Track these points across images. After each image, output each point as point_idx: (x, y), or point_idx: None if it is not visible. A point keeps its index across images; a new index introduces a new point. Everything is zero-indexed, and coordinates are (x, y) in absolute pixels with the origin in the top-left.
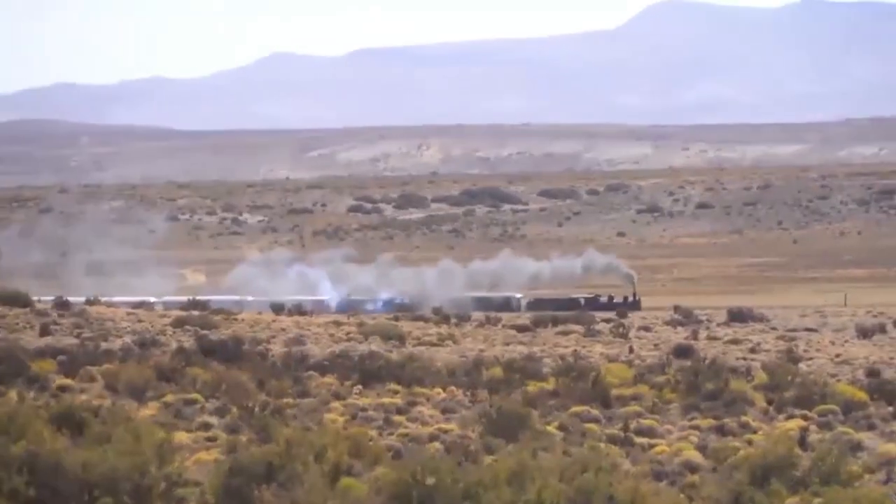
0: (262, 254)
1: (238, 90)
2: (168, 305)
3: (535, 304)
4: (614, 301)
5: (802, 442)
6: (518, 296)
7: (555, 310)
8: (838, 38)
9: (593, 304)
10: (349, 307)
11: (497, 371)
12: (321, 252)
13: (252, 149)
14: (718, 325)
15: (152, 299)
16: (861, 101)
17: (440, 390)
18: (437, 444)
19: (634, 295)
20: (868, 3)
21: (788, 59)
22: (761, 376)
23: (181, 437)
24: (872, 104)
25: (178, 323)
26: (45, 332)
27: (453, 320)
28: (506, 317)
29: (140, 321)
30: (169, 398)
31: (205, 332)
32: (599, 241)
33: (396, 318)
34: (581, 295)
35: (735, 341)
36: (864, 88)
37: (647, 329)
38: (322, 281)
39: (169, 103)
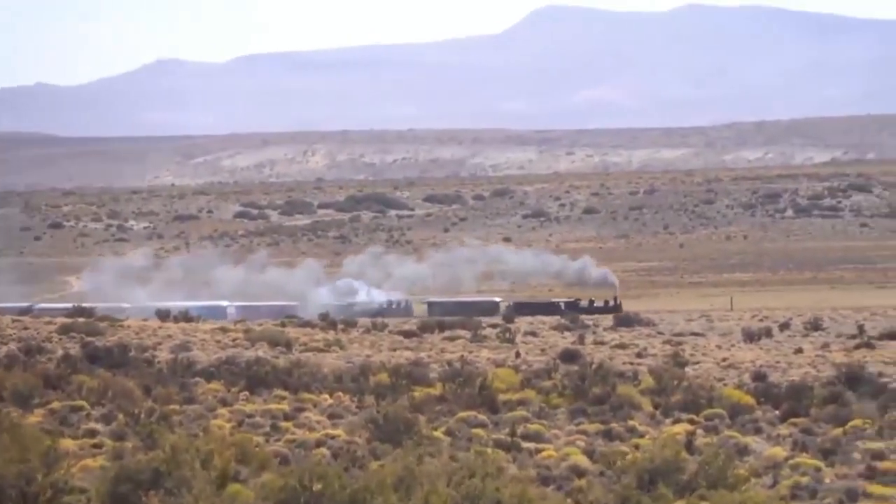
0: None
1: (123, 96)
2: (48, 312)
3: (516, 309)
4: (595, 305)
5: (689, 446)
6: (498, 300)
7: (535, 314)
8: (722, 42)
9: (574, 307)
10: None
11: (384, 377)
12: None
13: (137, 155)
14: (605, 329)
15: (38, 305)
16: (745, 105)
17: (327, 396)
18: (324, 450)
19: (615, 299)
20: (752, 6)
21: (673, 63)
22: (648, 381)
23: (67, 443)
24: (757, 108)
25: (64, 330)
26: None
27: (340, 326)
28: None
29: (26, 328)
30: (55, 405)
31: (91, 339)
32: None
33: (283, 325)
34: (561, 299)
35: (622, 346)
36: (749, 92)
37: (533, 334)
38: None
39: (53, 110)
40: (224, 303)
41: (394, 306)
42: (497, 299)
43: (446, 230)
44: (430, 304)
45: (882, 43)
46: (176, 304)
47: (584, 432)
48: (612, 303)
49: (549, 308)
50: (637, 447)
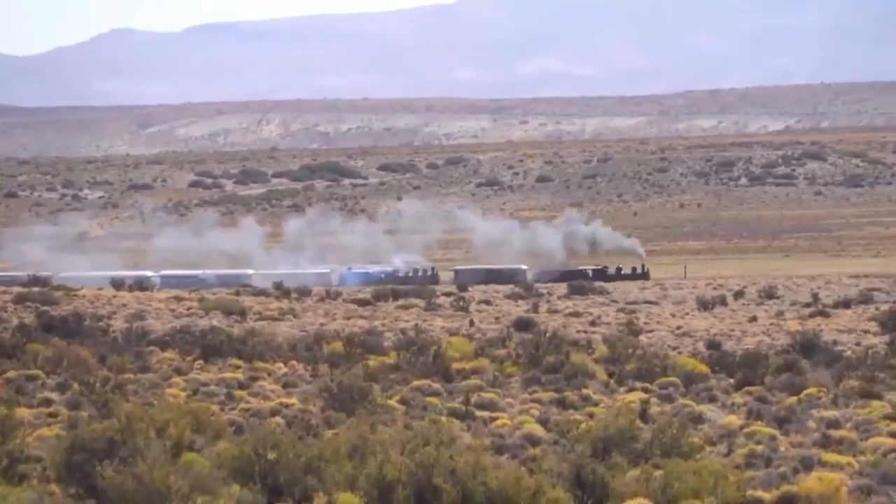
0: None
1: (77, 66)
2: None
3: (542, 276)
4: (622, 272)
5: (643, 414)
6: (524, 267)
7: (561, 281)
8: (676, 9)
9: (601, 275)
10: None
11: (338, 345)
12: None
13: (91, 125)
14: (559, 298)
15: None
16: (699, 74)
17: (281, 365)
18: (278, 419)
19: (643, 266)
20: None
21: (626, 31)
22: (602, 349)
23: (22, 413)
24: (711, 76)
25: (19, 299)
26: None
27: (294, 295)
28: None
29: None
30: (10, 374)
31: (45, 308)
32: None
33: (237, 293)
34: (588, 266)
35: (575, 314)
36: (703, 60)
37: (487, 303)
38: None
39: (7, 79)
40: (149, 272)
41: (420, 273)
42: (523, 266)
43: (399, 198)
44: (457, 272)
45: (836, 11)
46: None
47: (538, 401)
48: (639, 270)
49: (575, 275)
50: (591, 416)
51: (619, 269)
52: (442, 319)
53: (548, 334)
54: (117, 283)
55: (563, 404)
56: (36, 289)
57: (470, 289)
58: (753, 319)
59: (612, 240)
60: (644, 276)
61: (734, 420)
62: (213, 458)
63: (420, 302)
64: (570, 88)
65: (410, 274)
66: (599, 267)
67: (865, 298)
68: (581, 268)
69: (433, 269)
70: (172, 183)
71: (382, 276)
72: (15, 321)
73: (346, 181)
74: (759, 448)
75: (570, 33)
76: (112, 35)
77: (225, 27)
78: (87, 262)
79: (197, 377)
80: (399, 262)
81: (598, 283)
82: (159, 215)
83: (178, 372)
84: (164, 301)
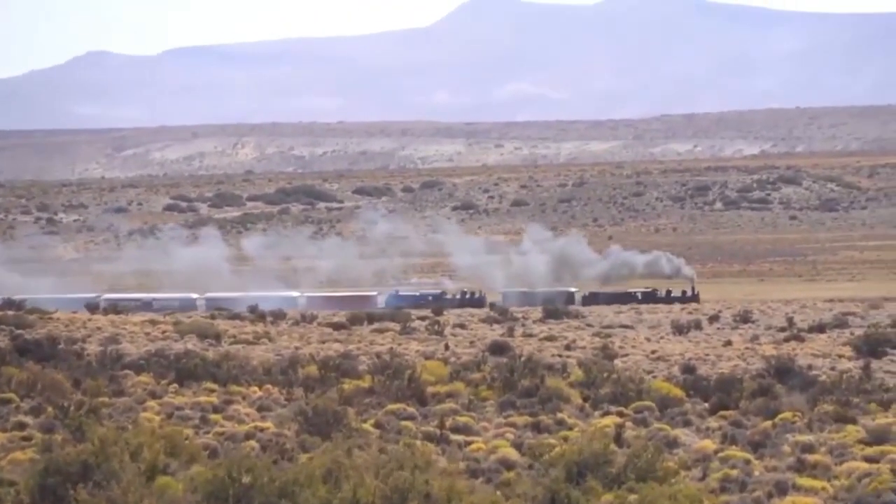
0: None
1: (52, 89)
2: None
3: (591, 299)
4: (672, 295)
5: (618, 439)
6: (573, 290)
7: (610, 303)
8: (650, 33)
9: (651, 297)
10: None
11: (313, 369)
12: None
13: (67, 148)
14: (534, 322)
15: None
16: (674, 98)
17: (256, 388)
18: (253, 443)
19: (693, 289)
20: None
21: (600, 55)
22: (577, 373)
23: None
24: (686, 101)
25: None
26: None
27: (269, 318)
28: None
29: None
30: None
31: (20, 331)
32: (415, 239)
33: (213, 317)
34: (638, 289)
35: (551, 338)
36: (678, 85)
37: (462, 326)
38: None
39: None
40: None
41: (467, 297)
42: (573, 289)
43: (375, 223)
44: (505, 294)
45: (811, 35)
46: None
47: (512, 425)
48: (689, 293)
49: (624, 298)
50: (566, 440)
51: (668, 292)
52: (417, 343)
53: (523, 358)
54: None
55: (537, 428)
56: (10, 312)
57: (511, 310)
58: (728, 344)
59: (666, 263)
60: (694, 299)
61: (709, 444)
62: (188, 481)
63: (395, 326)
64: (545, 112)
65: (458, 296)
66: (649, 290)
67: (840, 323)
68: (631, 290)
69: (480, 291)
70: (147, 206)
71: (429, 298)
72: None
73: (322, 205)
74: (734, 472)
75: (545, 57)
76: (87, 58)
77: (201, 50)
78: (62, 284)
79: (171, 401)
80: (448, 284)
81: (572, 308)
82: (134, 238)
83: (153, 395)
84: (138, 324)
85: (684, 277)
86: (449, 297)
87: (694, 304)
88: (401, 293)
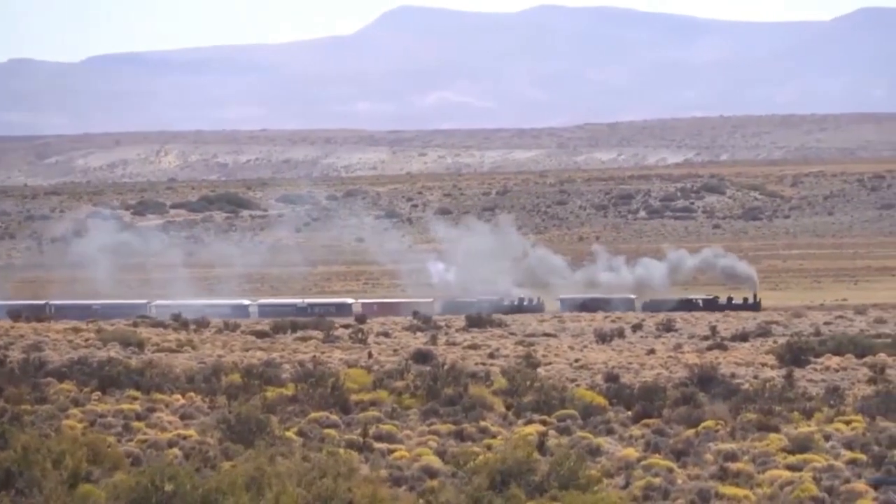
0: None
1: None
2: None
3: (651, 306)
4: (733, 302)
5: (541, 447)
6: (632, 297)
7: (671, 311)
8: (574, 43)
9: (712, 305)
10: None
11: (236, 377)
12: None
13: None
14: (457, 330)
15: None
16: (598, 106)
17: (179, 396)
18: (175, 450)
19: (755, 296)
20: (603, 7)
21: (525, 64)
22: (500, 381)
23: None
24: (610, 109)
25: None
26: None
27: (192, 326)
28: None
29: None
30: None
31: None
32: (339, 247)
33: (135, 325)
34: (699, 296)
35: (474, 346)
36: (602, 94)
37: (386, 335)
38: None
39: None
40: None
41: (525, 303)
42: (632, 296)
43: (298, 230)
44: (562, 301)
45: (734, 44)
46: None
47: (436, 433)
48: (751, 300)
49: (686, 305)
50: (489, 448)
51: (729, 299)
52: (341, 351)
53: (446, 366)
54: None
55: (461, 436)
56: None
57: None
58: (652, 352)
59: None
60: (755, 306)
61: (632, 452)
62: (110, 489)
63: (318, 334)
64: (469, 121)
65: (515, 303)
66: (710, 297)
67: (763, 331)
68: (691, 297)
69: (539, 298)
70: (70, 214)
71: (486, 304)
72: None
73: (245, 213)
74: (657, 481)
75: (469, 66)
76: (10, 65)
77: (125, 58)
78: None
79: (94, 408)
80: (507, 291)
81: (497, 316)
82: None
83: (76, 403)
84: (61, 332)
85: (749, 284)
86: (506, 303)
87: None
88: (457, 299)
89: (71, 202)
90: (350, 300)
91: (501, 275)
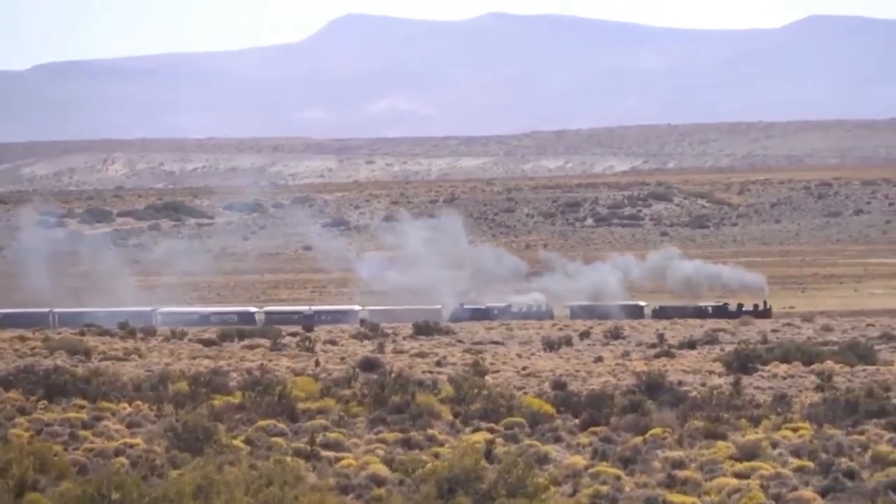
0: None
1: None
2: None
3: (660, 313)
4: (744, 309)
5: (489, 454)
6: (643, 304)
7: (681, 318)
8: (522, 51)
9: (722, 311)
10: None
11: (183, 385)
12: None
13: None
14: (404, 338)
15: None
16: (545, 114)
17: (126, 405)
18: (122, 459)
19: (765, 303)
20: (550, 16)
21: (472, 72)
22: (448, 389)
23: None
24: (557, 117)
25: None
26: None
27: (139, 335)
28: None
29: None
30: None
31: None
32: (286, 255)
33: (82, 333)
34: (709, 303)
35: (421, 354)
36: (549, 102)
37: (333, 343)
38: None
39: None
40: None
41: (534, 309)
42: (642, 303)
43: (246, 238)
44: (572, 309)
45: (680, 52)
46: None
47: (383, 441)
48: (761, 307)
49: (695, 312)
50: (436, 456)
51: (740, 306)
52: (288, 359)
53: (393, 374)
54: None
55: (408, 444)
56: None
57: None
58: (599, 360)
59: (737, 276)
60: (766, 313)
61: (579, 460)
62: (57, 498)
63: (266, 342)
64: (416, 129)
65: (524, 310)
66: (720, 304)
67: (710, 339)
68: (702, 304)
69: (548, 304)
70: (17, 222)
71: (496, 312)
72: None
73: (192, 221)
74: (605, 488)
75: (416, 74)
76: None
77: (72, 65)
78: None
79: (40, 417)
80: (516, 298)
81: (447, 324)
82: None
83: (22, 412)
84: (7, 340)
85: (757, 290)
86: (515, 310)
87: (767, 319)
88: (465, 306)
89: (17, 211)
90: (357, 307)
91: (449, 277)
